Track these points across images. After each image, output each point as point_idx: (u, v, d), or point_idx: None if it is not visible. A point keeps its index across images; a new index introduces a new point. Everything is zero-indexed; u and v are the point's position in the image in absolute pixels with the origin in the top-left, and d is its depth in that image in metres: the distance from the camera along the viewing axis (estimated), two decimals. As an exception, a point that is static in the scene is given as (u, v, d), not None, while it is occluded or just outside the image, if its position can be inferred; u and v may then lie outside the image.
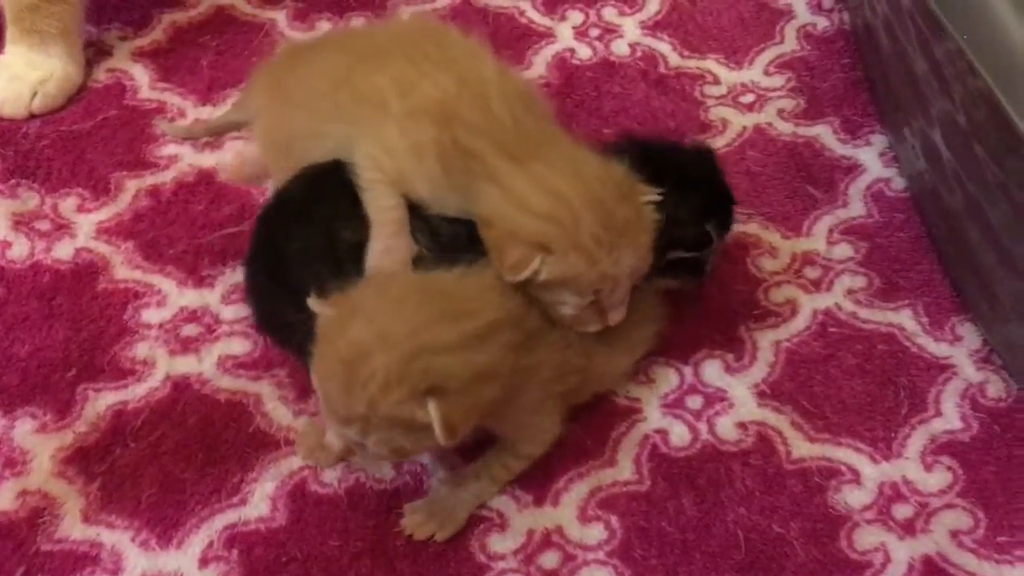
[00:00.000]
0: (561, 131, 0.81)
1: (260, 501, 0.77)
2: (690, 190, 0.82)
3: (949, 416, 0.82)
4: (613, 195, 0.75)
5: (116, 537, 0.75)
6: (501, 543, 0.76)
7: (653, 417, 0.82)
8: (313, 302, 0.70)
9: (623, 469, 0.79)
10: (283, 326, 0.78)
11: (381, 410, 0.66)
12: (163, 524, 0.76)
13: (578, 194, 0.74)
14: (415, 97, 0.77)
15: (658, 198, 0.77)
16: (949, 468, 0.80)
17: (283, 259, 0.77)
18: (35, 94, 1.00)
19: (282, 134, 0.83)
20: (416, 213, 0.77)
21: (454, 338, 0.68)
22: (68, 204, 0.95)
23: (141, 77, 1.06)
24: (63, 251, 0.91)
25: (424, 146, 0.75)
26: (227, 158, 0.97)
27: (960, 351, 0.86)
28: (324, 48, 0.88)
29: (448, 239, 0.77)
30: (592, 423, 0.82)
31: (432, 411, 0.66)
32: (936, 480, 0.79)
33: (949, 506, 0.77)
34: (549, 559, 0.75)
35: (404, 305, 0.68)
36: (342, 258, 0.75)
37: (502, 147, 0.75)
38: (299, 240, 0.76)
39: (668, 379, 0.85)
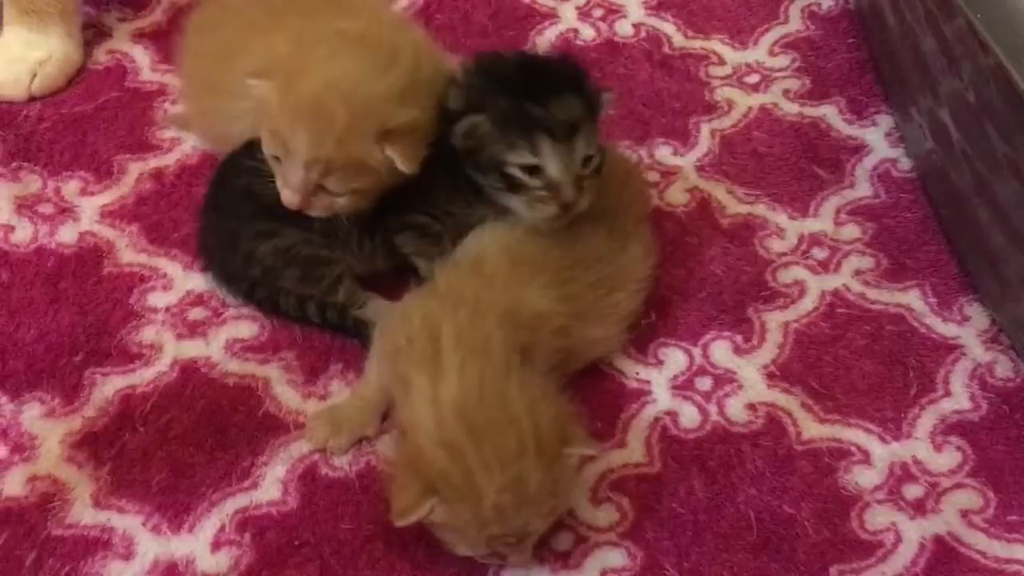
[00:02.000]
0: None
1: (271, 485, 0.76)
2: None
3: (958, 396, 0.83)
4: (352, 95, 0.76)
5: (127, 522, 0.75)
6: (513, 525, 0.76)
7: (663, 399, 0.82)
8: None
9: (634, 451, 0.79)
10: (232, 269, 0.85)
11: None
12: (174, 508, 0.75)
13: (326, 66, 0.77)
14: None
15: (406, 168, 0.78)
16: (959, 448, 0.80)
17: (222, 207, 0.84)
18: (34, 75, 0.99)
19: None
20: None
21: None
22: (71, 187, 0.94)
23: (142, 59, 1.05)
24: (67, 235, 0.91)
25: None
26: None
27: (968, 331, 0.86)
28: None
29: None
30: (602, 405, 0.82)
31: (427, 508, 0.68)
32: (946, 460, 0.79)
33: (959, 486, 0.78)
34: (561, 540, 0.75)
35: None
36: (267, 203, 0.81)
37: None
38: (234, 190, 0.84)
39: (677, 361, 0.85)
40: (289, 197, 0.79)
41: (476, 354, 0.71)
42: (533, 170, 0.77)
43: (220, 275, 0.87)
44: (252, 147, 0.83)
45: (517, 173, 0.77)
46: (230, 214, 0.84)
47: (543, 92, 0.77)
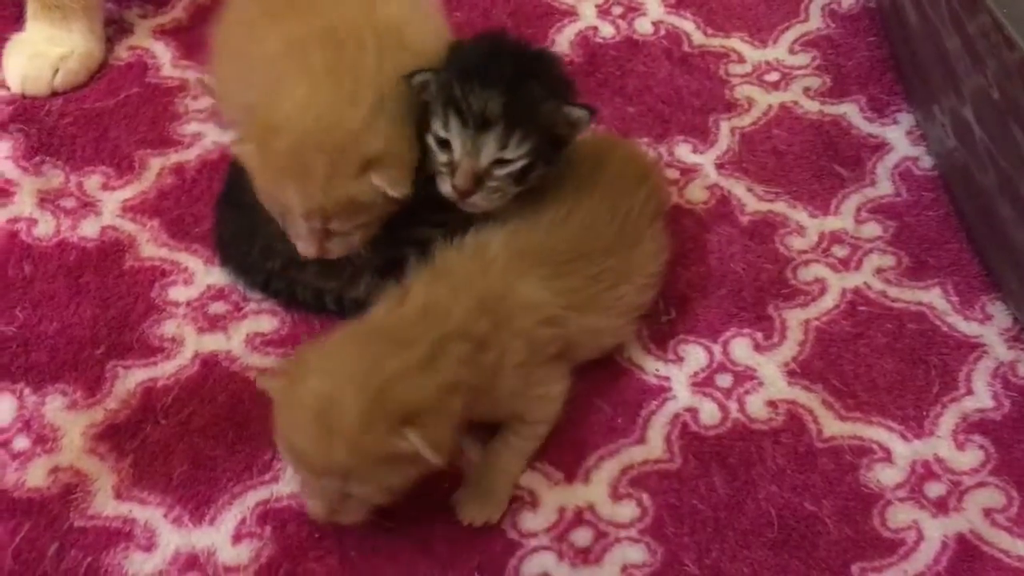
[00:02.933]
0: None
1: (292, 478, 0.77)
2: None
3: (980, 395, 0.82)
4: (325, 140, 0.75)
5: (149, 513, 0.75)
6: (533, 521, 0.76)
7: (683, 395, 0.82)
8: (261, 380, 0.73)
9: (654, 447, 0.79)
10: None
11: (365, 450, 0.67)
12: (195, 501, 0.76)
13: (296, 123, 0.76)
14: None
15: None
16: (981, 447, 0.79)
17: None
18: (57, 71, 0.99)
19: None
20: None
21: (405, 366, 0.69)
22: (93, 182, 0.95)
23: (163, 55, 1.05)
24: (89, 229, 0.91)
25: None
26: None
27: (991, 330, 0.86)
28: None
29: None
30: (622, 401, 0.82)
31: (414, 439, 0.67)
32: (968, 458, 0.79)
33: (982, 484, 0.77)
34: (581, 536, 0.75)
35: (348, 351, 0.71)
36: None
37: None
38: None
39: (697, 358, 0.85)
40: (304, 249, 0.79)
41: (432, 323, 0.71)
42: (443, 143, 0.77)
43: (237, 267, 0.87)
44: None
45: (432, 141, 0.78)
46: (247, 207, 0.84)
47: (482, 80, 0.76)
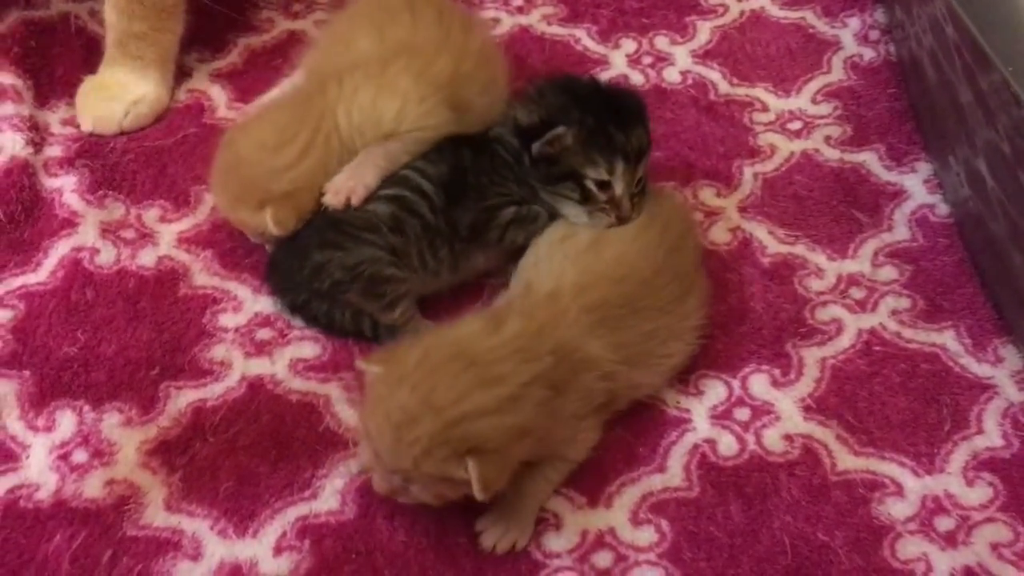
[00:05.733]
0: None
1: (330, 496, 0.81)
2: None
3: (990, 434, 0.85)
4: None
5: (196, 525, 0.80)
6: (556, 542, 0.79)
7: (702, 427, 0.86)
8: (360, 363, 0.79)
9: (673, 476, 0.83)
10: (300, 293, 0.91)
11: (424, 468, 0.73)
12: (239, 514, 0.80)
13: None
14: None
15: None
16: (990, 484, 0.82)
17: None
18: (127, 113, 1.06)
19: None
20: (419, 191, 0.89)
21: (490, 403, 0.74)
22: (151, 214, 1.01)
23: (219, 97, 1.12)
24: (147, 258, 0.97)
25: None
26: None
27: (1002, 372, 0.89)
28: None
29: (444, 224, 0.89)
30: (644, 431, 0.85)
31: (471, 471, 0.72)
32: (977, 495, 0.82)
33: (990, 520, 0.80)
34: (602, 558, 0.79)
35: (443, 373, 0.75)
36: (339, 217, 0.89)
37: None
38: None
39: (717, 391, 0.88)
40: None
41: (523, 364, 0.76)
42: (603, 185, 0.86)
43: (281, 285, 0.92)
44: None
45: (592, 186, 0.86)
46: (304, 229, 0.90)
47: (622, 119, 0.87)
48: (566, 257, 0.85)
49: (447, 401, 0.73)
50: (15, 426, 0.85)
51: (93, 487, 0.81)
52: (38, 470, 0.82)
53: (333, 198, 0.88)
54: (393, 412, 0.73)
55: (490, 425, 0.73)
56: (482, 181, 0.89)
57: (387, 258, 0.88)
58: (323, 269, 0.88)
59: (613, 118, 0.87)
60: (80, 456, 0.83)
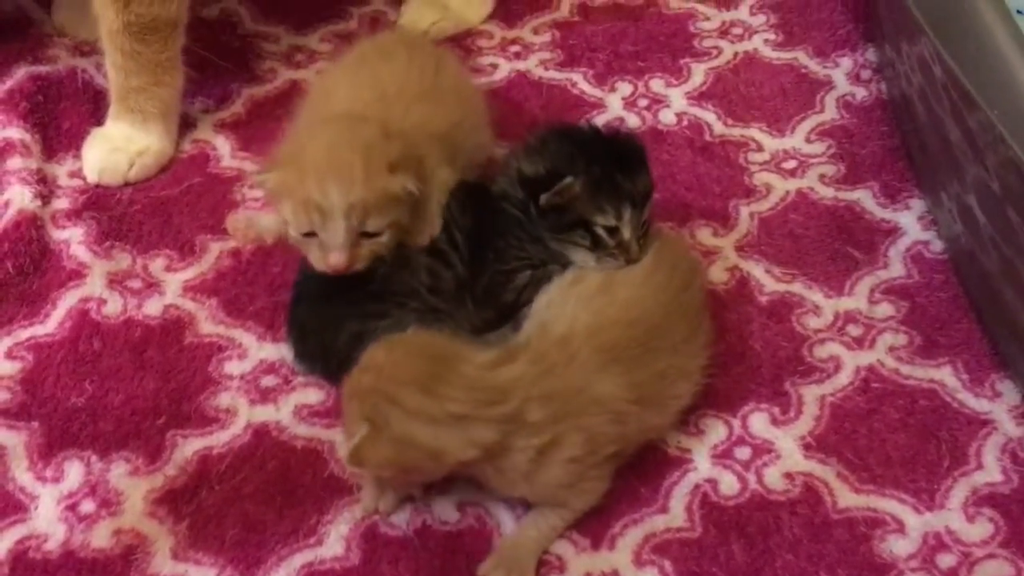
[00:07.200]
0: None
1: (335, 542, 0.82)
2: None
3: (990, 469, 0.86)
4: (350, 147, 0.86)
5: (203, 573, 0.81)
6: (560, 585, 0.80)
7: (703, 467, 0.87)
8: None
9: (675, 516, 0.83)
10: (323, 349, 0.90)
11: (346, 406, 0.78)
12: (246, 562, 0.81)
13: (326, 136, 0.88)
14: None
15: (411, 188, 0.86)
16: (991, 519, 0.83)
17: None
18: (132, 165, 1.08)
19: None
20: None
21: (413, 406, 0.75)
22: (157, 264, 1.03)
23: (223, 147, 1.14)
24: (153, 307, 0.99)
25: None
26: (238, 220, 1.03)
27: (1000, 407, 0.90)
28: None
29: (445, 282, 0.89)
30: (646, 472, 0.86)
31: (358, 434, 0.75)
32: (978, 531, 0.82)
33: (991, 556, 0.80)
34: (606, 600, 0.79)
35: (409, 359, 0.78)
36: (378, 287, 0.88)
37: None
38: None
39: (717, 431, 0.89)
40: (336, 259, 0.85)
41: (488, 403, 0.76)
42: (612, 231, 0.88)
43: (312, 353, 0.91)
44: None
45: (602, 233, 0.88)
46: (332, 300, 0.89)
47: (627, 165, 0.89)
48: (578, 300, 0.86)
49: (398, 378, 0.76)
50: (24, 477, 0.86)
51: (101, 537, 0.82)
52: (47, 521, 0.83)
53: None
54: (363, 359, 0.78)
55: (399, 419, 0.75)
56: (499, 244, 0.90)
57: (431, 318, 0.88)
58: (363, 337, 0.86)
59: (618, 165, 0.89)
60: (88, 506, 0.84)
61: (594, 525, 0.83)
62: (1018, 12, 0.90)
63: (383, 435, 0.75)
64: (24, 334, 0.96)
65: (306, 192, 0.85)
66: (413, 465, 0.77)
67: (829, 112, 1.17)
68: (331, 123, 0.92)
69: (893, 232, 1.04)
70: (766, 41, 1.25)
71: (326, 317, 0.90)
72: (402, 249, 0.89)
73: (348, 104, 0.96)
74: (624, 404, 0.81)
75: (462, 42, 1.26)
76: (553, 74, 1.22)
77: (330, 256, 0.86)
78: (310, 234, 0.86)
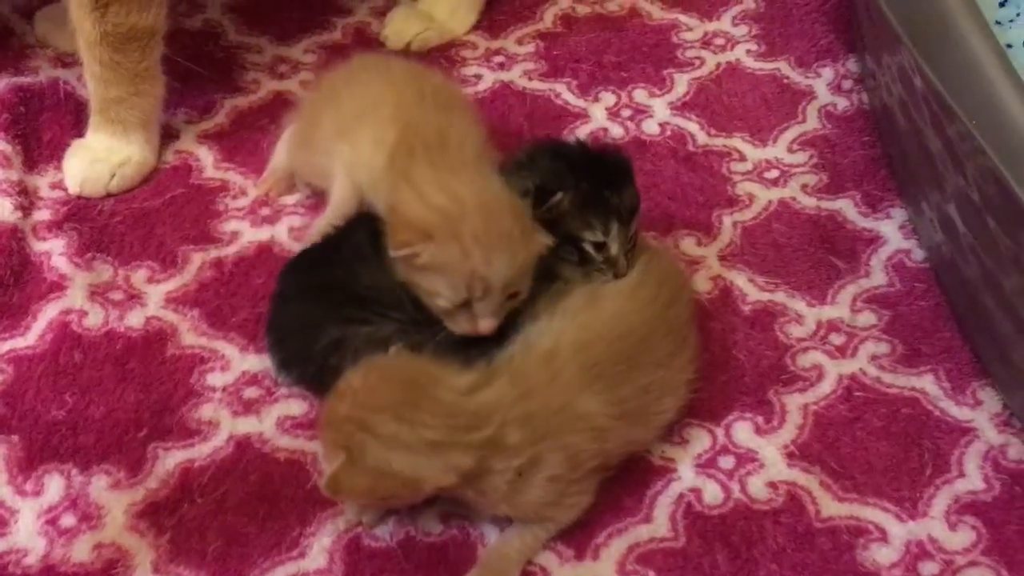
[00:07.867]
0: (481, 158, 0.93)
1: (318, 554, 0.81)
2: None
3: (972, 477, 0.86)
4: (504, 208, 0.85)
5: (185, 587, 0.80)
6: (545, 596, 0.80)
7: (687, 476, 0.87)
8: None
9: (659, 526, 0.83)
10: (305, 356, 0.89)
11: (324, 434, 0.78)
12: (228, 575, 0.81)
13: (471, 197, 0.85)
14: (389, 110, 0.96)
15: (550, 244, 0.86)
16: (973, 527, 0.83)
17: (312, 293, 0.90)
18: (114, 176, 1.08)
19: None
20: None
21: (387, 434, 0.75)
22: (139, 276, 1.02)
23: (206, 157, 1.14)
24: (135, 319, 0.98)
25: (383, 142, 0.93)
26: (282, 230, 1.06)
27: (981, 414, 0.90)
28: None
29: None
30: (629, 482, 0.86)
31: (335, 464, 0.75)
32: (960, 539, 0.82)
33: (973, 563, 0.81)
34: (591, 611, 0.79)
35: (384, 385, 0.78)
36: (361, 294, 0.88)
37: (428, 156, 0.90)
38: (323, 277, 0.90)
39: (701, 440, 0.89)
40: (489, 326, 0.84)
41: (464, 429, 0.76)
42: (599, 246, 0.88)
43: (289, 358, 0.91)
44: (335, 241, 0.92)
45: (590, 248, 0.88)
46: (313, 302, 0.89)
47: (614, 180, 0.90)
48: (564, 314, 0.85)
49: (372, 405, 0.76)
50: (3, 491, 0.85)
51: (81, 551, 0.82)
52: (27, 535, 0.82)
53: None
54: (339, 385, 0.78)
55: (375, 447, 0.75)
56: None
57: (412, 328, 0.87)
58: (342, 344, 0.87)
59: (606, 180, 0.89)
60: (68, 520, 0.83)
61: (578, 535, 0.83)
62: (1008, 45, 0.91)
63: (359, 464, 0.74)
64: (4, 347, 0.95)
65: (471, 266, 0.82)
66: (391, 493, 0.76)
67: (811, 122, 1.18)
68: (464, 174, 0.87)
69: (875, 241, 1.05)
70: (748, 51, 1.26)
71: (306, 319, 0.90)
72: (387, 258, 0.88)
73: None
74: (607, 420, 0.81)
75: (446, 53, 1.26)
76: (537, 84, 1.22)
77: (481, 323, 0.84)
78: (462, 305, 0.84)
